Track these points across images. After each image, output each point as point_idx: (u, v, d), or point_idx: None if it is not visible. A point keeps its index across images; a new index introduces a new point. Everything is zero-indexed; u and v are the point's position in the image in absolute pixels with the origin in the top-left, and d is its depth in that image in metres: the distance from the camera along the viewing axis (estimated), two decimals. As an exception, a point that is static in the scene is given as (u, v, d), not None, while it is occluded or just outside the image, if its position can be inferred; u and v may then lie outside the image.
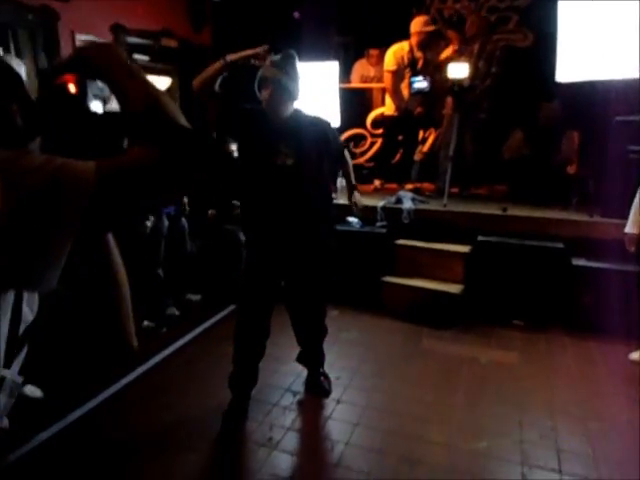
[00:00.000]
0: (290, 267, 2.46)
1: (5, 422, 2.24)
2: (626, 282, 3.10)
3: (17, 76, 0.88)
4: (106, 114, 0.87)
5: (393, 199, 4.16)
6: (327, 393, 2.73)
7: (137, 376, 2.94)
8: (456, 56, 4.30)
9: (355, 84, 5.21)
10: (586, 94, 3.69)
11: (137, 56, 4.16)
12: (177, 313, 3.67)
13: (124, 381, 2.88)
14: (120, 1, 3.74)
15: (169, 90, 4.61)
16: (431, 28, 4.37)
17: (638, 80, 3.37)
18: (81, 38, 3.44)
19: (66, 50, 3.34)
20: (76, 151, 0.75)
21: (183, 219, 3.80)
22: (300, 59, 4.49)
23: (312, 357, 2.77)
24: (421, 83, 4.33)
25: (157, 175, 0.74)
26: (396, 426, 2.45)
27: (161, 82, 4.62)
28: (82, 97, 0.83)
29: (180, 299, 3.87)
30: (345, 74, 5.19)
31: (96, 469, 2.19)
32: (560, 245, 3.46)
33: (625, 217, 2.99)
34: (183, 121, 0.79)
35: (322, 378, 2.78)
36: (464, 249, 3.71)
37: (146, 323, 3.55)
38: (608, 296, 3.04)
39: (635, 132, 3.31)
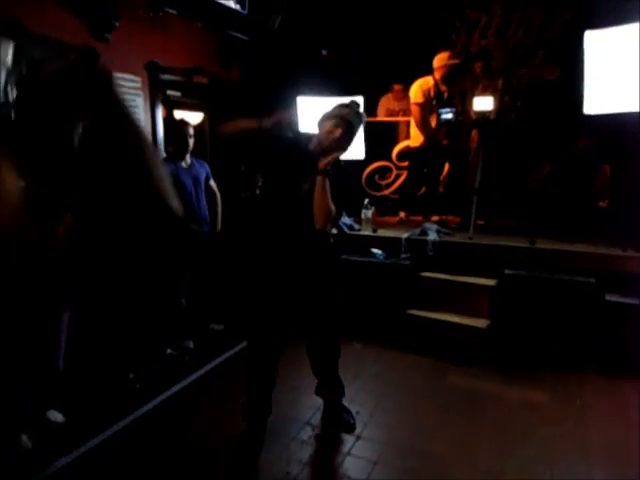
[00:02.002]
0: (303, 295, 2.44)
1: (28, 443, 2.28)
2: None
3: None
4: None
5: (418, 231, 4.14)
6: (351, 428, 2.65)
7: (157, 403, 2.95)
8: (481, 90, 4.32)
9: (381, 118, 5.29)
10: (618, 127, 3.63)
11: (170, 92, 4.35)
12: (192, 346, 3.67)
13: (145, 408, 2.89)
14: (155, 41, 3.94)
15: (201, 124, 4.77)
16: (455, 61, 4.42)
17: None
18: (118, 76, 3.63)
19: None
20: None
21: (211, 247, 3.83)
22: (327, 94, 4.65)
23: (329, 387, 2.71)
24: (447, 114, 4.37)
25: None
26: (417, 465, 2.36)
27: (194, 117, 4.81)
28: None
29: (203, 329, 3.88)
30: (370, 108, 5.29)
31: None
32: (592, 280, 3.34)
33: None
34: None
35: (343, 412, 2.71)
36: (490, 282, 3.63)
37: (169, 351, 3.57)
38: (643, 334, 2.90)
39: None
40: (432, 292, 3.80)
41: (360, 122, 2.32)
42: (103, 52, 3.46)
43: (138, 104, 3.81)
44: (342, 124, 2.24)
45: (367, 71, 5.64)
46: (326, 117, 2.30)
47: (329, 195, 2.19)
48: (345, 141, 2.27)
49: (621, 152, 3.70)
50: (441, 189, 4.83)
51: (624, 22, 3.37)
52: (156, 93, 4.01)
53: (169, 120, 4.60)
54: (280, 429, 2.64)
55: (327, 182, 2.18)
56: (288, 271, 2.37)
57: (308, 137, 2.37)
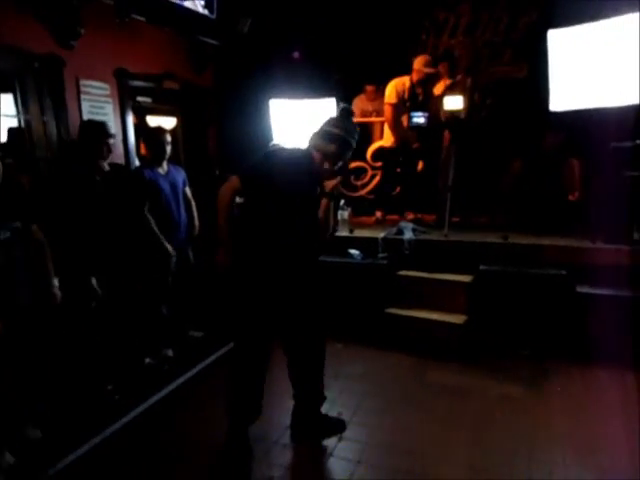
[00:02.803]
0: (293, 304, 2.42)
1: (10, 458, 2.23)
2: (632, 309, 3.04)
3: None
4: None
5: (394, 230, 4.18)
6: (342, 427, 2.65)
7: (137, 415, 2.91)
8: (448, 91, 4.38)
9: (355, 119, 5.31)
10: (585, 122, 3.72)
11: (140, 98, 4.29)
12: (171, 355, 3.62)
13: (124, 420, 2.84)
14: (123, 47, 3.88)
15: (174, 130, 4.72)
16: (430, 70, 4.47)
17: (632, 107, 3.41)
18: (85, 83, 3.56)
19: (71, 95, 3.45)
20: None
21: (190, 253, 3.80)
22: (300, 97, 4.65)
23: (311, 394, 2.65)
24: (419, 119, 4.41)
25: None
26: (400, 463, 2.38)
27: (167, 122, 4.76)
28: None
29: (182, 336, 3.84)
30: (344, 109, 5.32)
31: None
32: (563, 272, 3.42)
33: (626, 243, 2.97)
34: None
35: (324, 418, 2.68)
36: (466, 279, 3.68)
37: (148, 360, 3.53)
38: (613, 323, 2.98)
39: (631, 158, 3.32)
40: (410, 290, 3.84)
41: (354, 134, 2.32)
42: (69, 60, 3.41)
43: (107, 111, 3.75)
44: (338, 142, 2.27)
45: (339, 72, 5.68)
46: (321, 136, 2.30)
47: (333, 213, 2.36)
48: (343, 159, 2.33)
49: (589, 146, 3.79)
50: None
51: (586, 21, 3.46)
52: (126, 100, 3.95)
53: (141, 127, 4.54)
54: (261, 433, 2.63)
55: (332, 203, 2.33)
56: (284, 276, 2.34)
57: (301, 153, 2.36)
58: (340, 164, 2.32)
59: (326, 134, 2.28)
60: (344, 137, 2.26)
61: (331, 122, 2.31)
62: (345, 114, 2.34)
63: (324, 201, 2.33)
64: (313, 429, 2.62)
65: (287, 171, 2.24)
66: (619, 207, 3.36)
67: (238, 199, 2.38)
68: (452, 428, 2.67)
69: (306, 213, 2.34)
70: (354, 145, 2.33)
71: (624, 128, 3.42)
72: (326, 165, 2.29)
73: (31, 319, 2.45)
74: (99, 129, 3.15)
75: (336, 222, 2.39)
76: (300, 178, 2.27)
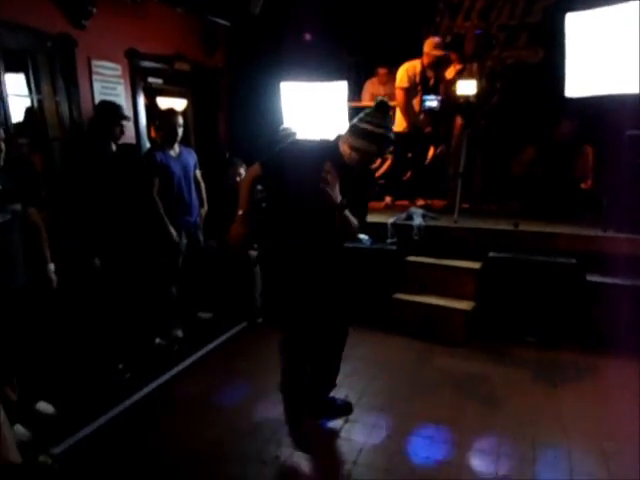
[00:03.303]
0: (316, 292, 2.37)
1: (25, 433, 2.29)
2: (642, 298, 3.04)
3: None
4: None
5: (404, 216, 4.16)
6: (349, 409, 2.69)
7: (147, 393, 2.97)
8: (460, 75, 4.32)
9: (365, 102, 5.27)
10: (599, 109, 3.66)
11: (151, 79, 4.28)
12: (181, 335, 3.67)
13: (135, 397, 2.90)
14: (134, 27, 3.86)
15: (185, 112, 4.72)
16: (439, 53, 4.40)
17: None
18: (97, 64, 3.56)
19: (83, 76, 3.46)
20: None
21: (200, 235, 3.81)
22: (311, 79, 4.61)
23: (322, 380, 2.63)
24: (432, 102, 4.37)
25: None
26: (404, 446, 2.41)
27: (178, 104, 4.75)
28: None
29: (191, 318, 3.89)
30: (355, 93, 5.27)
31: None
32: (573, 261, 3.41)
33: (638, 232, 2.94)
34: None
35: (332, 400, 2.71)
36: (475, 265, 3.68)
37: (158, 341, 3.58)
38: (623, 312, 2.97)
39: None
40: (418, 276, 3.84)
41: (389, 132, 2.14)
42: (81, 39, 3.40)
43: (119, 92, 3.75)
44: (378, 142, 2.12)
45: (351, 55, 5.62)
46: (360, 134, 2.10)
47: (349, 219, 2.15)
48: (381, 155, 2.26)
49: (603, 134, 3.73)
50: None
51: (604, 4, 3.38)
52: (137, 81, 3.94)
53: (152, 108, 4.54)
54: (270, 414, 2.68)
55: (343, 214, 2.12)
56: (303, 268, 2.29)
57: (326, 147, 2.22)
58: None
59: (357, 129, 2.10)
60: (386, 136, 2.12)
61: (371, 120, 2.10)
62: (380, 108, 2.13)
63: (337, 213, 2.12)
64: (320, 410, 2.66)
65: (305, 165, 2.11)
66: (632, 196, 3.33)
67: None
68: (457, 412, 2.69)
69: (323, 213, 2.13)
70: (390, 140, 2.16)
71: (639, 116, 3.37)
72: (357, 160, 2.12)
73: (27, 300, 2.46)
74: (114, 110, 3.18)
75: (355, 228, 2.20)
76: (317, 174, 2.07)
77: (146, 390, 3.00)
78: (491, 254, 3.64)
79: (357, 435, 2.51)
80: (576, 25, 3.53)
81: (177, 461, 2.36)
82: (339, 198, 2.08)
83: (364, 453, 2.36)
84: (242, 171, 4.01)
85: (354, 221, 2.18)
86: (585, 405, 2.72)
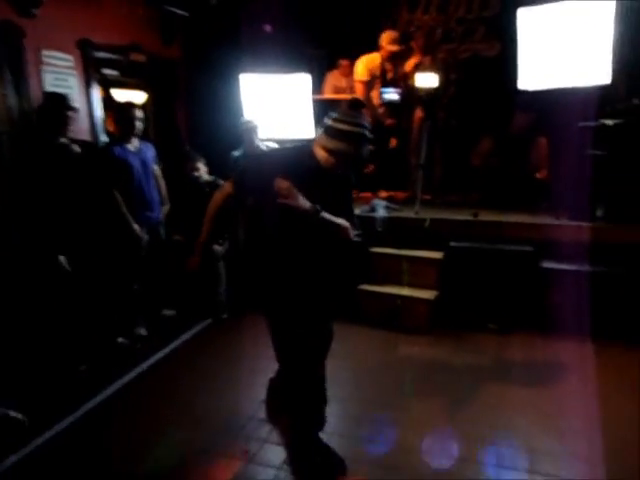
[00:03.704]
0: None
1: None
2: (592, 283, 3.19)
3: None
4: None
5: (367, 208, 4.21)
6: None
7: (110, 394, 2.90)
8: (419, 67, 4.38)
9: (327, 95, 5.27)
10: (552, 102, 3.80)
11: (106, 70, 4.13)
12: (145, 334, 3.60)
13: (97, 399, 2.84)
14: (87, 16, 3.71)
15: (143, 104, 4.59)
16: (394, 48, 4.45)
17: (597, 87, 3.50)
18: (47, 54, 3.41)
19: (32, 67, 3.30)
20: None
21: (162, 231, 3.74)
22: (273, 71, 4.57)
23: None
24: (392, 95, 4.42)
25: None
26: (371, 434, 2.47)
27: (136, 96, 4.61)
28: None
29: (155, 315, 3.82)
30: (317, 85, 5.25)
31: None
32: (529, 248, 3.54)
33: (588, 220, 3.08)
34: None
35: None
36: (437, 255, 3.77)
37: (120, 340, 3.50)
38: (574, 296, 3.12)
39: (595, 137, 3.42)
40: (382, 267, 3.90)
41: (366, 131, 1.97)
42: (30, 29, 3.25)
43: (71, 84, 3.61)
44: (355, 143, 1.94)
45: (312, 47, 5.59)
46: (335, 136, 1.94)
47: (332, 220, 1.98)
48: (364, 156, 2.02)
49: (556, 126, 3.87)
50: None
51: (555, 0, 3.49)
52: (91, 72, 3.80)
53: (108, 101, 4.39)
54: (238, 409, 2.68)
55: (321, 218, 1.95)
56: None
57: (302, 155, 2.05)
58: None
59: (333, 130, 1.94)
60: (363, 134, 1.95)
61: (347, 119, 1.94)
62: (355, 106, 1.99)
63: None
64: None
65: (285, 175, 1.91)
66: (582, 185, 3.47)
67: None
68: (421, 399, 2.77)
69: (310, 238, 1.97)
70: (368, 139, 1.99)
71: (589, 108, 3.51)
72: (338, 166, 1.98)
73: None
74: (60, 101, 3.04)
75: (345, 226, 2.03)
76: (301, 182, 1.92)
77: (109, 391, 2.93)
78: (452, 244, 3.73)
79: (325, 425, 2.53)
80: (528, 20, 3.63)
81: (144, 462, 2.32)
82: (307, 204, 1.91)
83: (332, 443, 2.38)
84: (200, 166, 3.95)
85: (340, 220, 2.02)
86: (541, 386, 2.85)
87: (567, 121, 3.61)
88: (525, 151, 4.49)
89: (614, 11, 3.27)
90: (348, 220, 2.08)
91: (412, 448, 2.35)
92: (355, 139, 1.93)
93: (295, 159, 2.04)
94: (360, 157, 1.98)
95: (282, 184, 1.88)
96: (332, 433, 2.45)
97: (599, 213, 3.48)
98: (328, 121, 1.98)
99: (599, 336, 3.18)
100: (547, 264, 3.47)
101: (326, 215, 1.95)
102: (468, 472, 2.18)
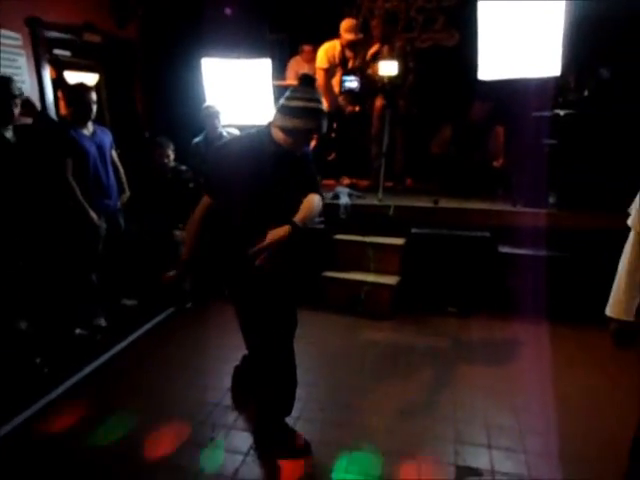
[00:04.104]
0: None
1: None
2: (547, 266, 3.34)
3: None
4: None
5: (330, 195, 4.23)
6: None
7: (68, 387, 2.82)
8: (384, 54, 4.40)
9: (290, 81, 5.22)
10: (509, 92, 3.91)
11: (58, 51, 3.95)
12: (104, 324, 3.50)
13: (55, 393, 2.75)
14: (36, -7, 3.54)
15: (97, 87, 4.41)
16: (352, 37, 4.45)
17: (552, 78, 3.63)
18: (-7, 32, 3.22)
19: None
20: None
21: (121, 219, 3.64)
22: (232, 56, 4.48)
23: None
24: (352, 83, 4.42)
25: None
26: (336, 417, 2.51)
27: (88, 79, 4.43)
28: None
29: (115, 305, 3.73)
30: (280, 71, 5.20)
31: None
32: (488, 234, 3.66)
33: (543, 206, 3.21)
34: None
35: None
36: (399, 241, 3.84)
37: (78, 331, 3.39)
38: (531, 280, 3.26)
39: (549, 126, 3.56)
40: (346, 254, 3.94)
41: (320, 102, 1.97)
42: (-29, 4, 3.06)
43: (20, 64, 3.43)
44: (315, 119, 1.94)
45: (274, 32, 5.51)
46: (285, 113, 1.94)
47: (308, 212, 1.98)
48: (319, 131, 2.00)
49: (512, 115, 4.00)
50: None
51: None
52: (41, 52, 3.62)
53: (60, 83, 4.20)
54: (203, 397, 2.66)
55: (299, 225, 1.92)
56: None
57: (259, 139, 2.03)
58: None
59: (288, 109, 1.94)
60: (320, 109, 1.95)
61: (301, 95, 1.94)
62: (306, 82, 1.99)
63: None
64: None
65: (247, 165, 1.92)
66: (537, 173, 3.62)
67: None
68: (384, 381, 2.84)
69: (282, 210, 1.96)
70: (324, 112, 1.98)
71: (544, 99, 3.65)
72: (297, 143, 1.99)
73: None
74: (4, 87, 2.84)
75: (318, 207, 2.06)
76: (265, 169, 1.94)
77: (68, 383, 2.84)
78: (413, 230, 3.81)
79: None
80: (488, 12, 3.71)
81: (109, 452, 2.28)
82: (286, 230, 1.85)
83: (298, 427, 2.41)
84: (169, 152, 3.86)
85: (313, 205, 2.02)
86: (499, 365, 2.98)
87: (522, 111, 3.74)
88: (483, 140, 4.62)
89: (564, 7, 3.40)
90: (313, 187, 2.10)
91: (377, 429, 2.41)
92: (312, 114, 1.93)
93: (254, 146, 2.00)
94: (320, 130, 1.99)
95: (256, 252, 1.82)
96: (298, 417, 2.48)
97: (552, 200, 3.63)
98: (282, 101, 1.98)
99: (554, 317, 3.35)
100: (504, 249, 3.60)
101: (298, 219, 1.92)
102: (430, 449, 2.26)
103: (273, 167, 1.97)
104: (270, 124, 2.03)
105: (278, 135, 1.98)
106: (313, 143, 4.94)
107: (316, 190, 2.12)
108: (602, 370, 2.89)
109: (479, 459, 2.18)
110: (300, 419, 2.48)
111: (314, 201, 2.06)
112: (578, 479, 2.05)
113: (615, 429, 2.34)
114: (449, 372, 2.91)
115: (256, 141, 2.02)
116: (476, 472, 2.11)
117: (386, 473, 2.11)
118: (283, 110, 1.95)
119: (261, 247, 1.82)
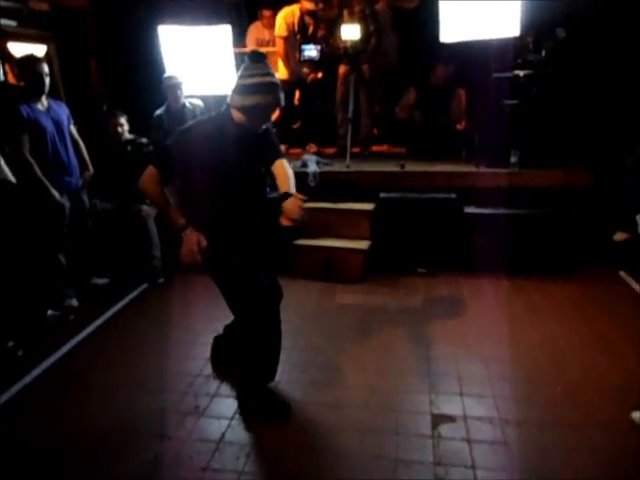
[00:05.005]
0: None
1: None
2: (507, 224, 3.49)
3: None
4: None
5: (299, 164, 4.22)
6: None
7: (45, 369, 2.79)
8: (345, 18, 4.35)
9: (250, 48, 5.10)
10: (470, 54, 3.95)
11: (3, 21, 3.71)
12: (76, 304, 3.46)
13: (30, 376, 2.72)
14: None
15: (47, 58, 4.19)
16: (311, 6, 4.36)
17: (511, 39, 3.69)
18: None
19: None
20: None
21: (85, 197, 3.55)
22: (190, 23, 4.34)
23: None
24: (311, 52, 4.35)
25: None
26: (316, 377, 2.60)
27: (35, 50, 4.19)
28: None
29: (85, 285, 3.67)
30: (240, 38, 5.06)
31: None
32: (453, 196, 3.77)
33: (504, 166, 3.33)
34: None
35: None
36: (369, 207, 3.90)
37: (50, 312, 3.34)
38: (493, 238, 3.41)
39: (509, 87, 3.64)
40: (316, 221, 3.96)
41: (273, 75, 2.00)
42: None
43: (-39, 36, 3.22)
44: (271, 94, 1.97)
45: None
46: (240, 91, 1.96)
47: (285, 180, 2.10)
48: (278, 105, 2.03)
49: (473, 77, 4.06)
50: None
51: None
52: (-16, 22, 3.41)
53: (5, 55, 3.97)
54: (183, 368, 2.70)
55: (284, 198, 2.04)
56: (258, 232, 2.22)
57: (221, 121, 2.05)
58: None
59: (244, 87, 1.95)
60: (275, 83, 1.98)
61: (254, 72, 1.96)
62: (256, 58, 1.99)
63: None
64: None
65: (212, 150, 1.94)
66: (499, 134, 3.72)
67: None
68: (360, 341, 2.94)
69: (254, 186, 2.08)
70: (279, 85, 2.01)
71: (504, 60, 3.72)
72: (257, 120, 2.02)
73: None
74: None
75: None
76: (231, 151, 1.97)
77: (44, 365, 2.82)
78: (382, 195, 3.88)
79: (272, 375, 2.63)
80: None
81: (94, 427, 2.30)
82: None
83: (281, 388, 2.50)
84: (122, 121, 3.76)
85: (289, 171, 2.13)
86: (467, 320, 3.13)
87: (483, 73, 3.81)
88: (446, 103, 4.67)
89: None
90: (279, 153, 2.21)
91: (356, 386, 2.51)
92: (270, 88, 1.96)
93: (216, 129, 2.00)
94: (279, 103, 2.02)
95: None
96: (279, 381, 2.55)
97: (513, 160, 3.75)
98: (237, 80, 1.99)
99: (517, 271, 3.53)
100: (470, 209, 3.72)
101: (289, 189, 2.07)
102: (407, 401, 2.38)
103: (239, 148, 2.01)
104: (228, 106, 2.04)
105: (238, 116, 2.01)
106: (275, 115, 4.93)
107: (282, 155, 2.22)
108: (564, 319, 3.08)
109: (452, 406, 2.32)
110: (281, 382, 2.55)
111: (287, 166, 2.16)
112: (544, 419, 2.21)
113: (576, 373, 2.53)
114: (421, 328, 3.04)
115: (218, 124, 2.03)
116: (450, 418, 2.25)
117: (368, 426, 2.22)
118: (240, 90, 1.97)
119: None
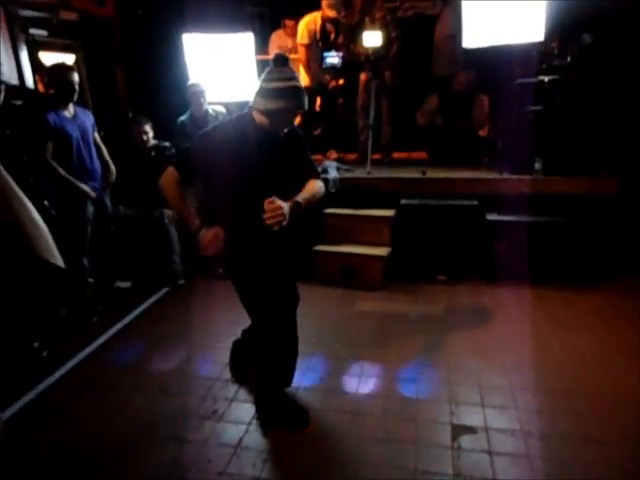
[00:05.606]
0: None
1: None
2: (531, 232, 3.42)
3: None
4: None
5: (319, 170, 4.22)
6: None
7: (68, 370, 2.85)
8: (368, 25, 4.35)
9: (274, 52, 5.14)
10: (493, 59, 3.91)
11: (33, 30, 3.83)
12: (101, 307, 3.53)
13: (56, 375, 2.78)
14: (7, -30, 3.42)
15: (77, 65, 4.30)
16: (332, 14, 4.38)
17: (535, 44, 3.64)
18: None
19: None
20: None
21: (107, 201, 3.62)
22: (213, 31, 4.40)
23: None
24: (333, 59, 4.37)
25: None
26: (335, 385, 2.58)
27: (64, 59, 4.31)
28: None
29: (108, 288, 3.74)
30: (262, 45, 5.12)
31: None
32: (475, 202, 3.72)
33: (528, 173, 3.26)
34: None
35: None
36: (389, 213, 3.88)
37: (74, 314, 3.41)
38: (516, 246, 3.34)
39: (533, 93, 3.58)
40: (336, 227, 3.97)
41: (297, 79, 1.99)
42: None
43: (-4, 46, 3.34)
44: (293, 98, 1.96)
45: (254, 5, 5.41)
46: (263, 95, 1.95)
47: (312, 194, 2.08)
48: (302, 108, 2.02)
49: (496, 83, 4.01)
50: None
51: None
52: (16, 32, 3.52)
53: (37, 64, 4.09)
54: (203, 373, 2.72)
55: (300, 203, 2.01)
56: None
57: (241, 124, 2.04)
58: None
59: (268, 91, 1.94)
60: (299, 87, 1.97)
61: (278, 76, 1.94)
62: (280, 62, 1.98)
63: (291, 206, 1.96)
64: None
65: (233, 153, 1.94)
66: (522, 140, 3.66)
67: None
68: (380, 349, 2.91)
69: (274, 189, 1.96)
70: (303, 89, 2.00)
71: (528, 65, 3.67)
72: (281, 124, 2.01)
73: None
74: None
75: (321, 190, 2.18)
76: (252, 153, 1.97)
77: (69, 365, 2.88)
78: (403, 201, 3.85)
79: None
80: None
81: (115, 428, 2.33)
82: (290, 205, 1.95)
83: (298, 396, 2.49)
84: (147, 129, 3.83)
85: (316, 189, 2.11)
86: (489, 329, 3.07)
87: (507, 78, 3.76)
88: (468, 109, 4.62)
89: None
90: (312, 170, 2.19)
91: (375, 394, 2.49)
92: (293, 92, 1.95)
93: (237, 132, 2.01)
94: (303, 107, 2.01)
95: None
96: (298, 387, 2.55)
97: (538, 166, 3.69)
98: (261, 84, 1.99)
99: (540, 281, 3.45)
100: (492, 216, 3.66)
101: (301, 199, 2.01)
102: (427, 411, 2.35)
103: (261, 151, 2.01)
104: (250, 109, 2.04)
105: (260, 119, 2.01)
106: (297, 120, 4.96)
107: (317, 176, 2.20)
108: (588, 330, 2.99)
109: (473, 417, 2.27)
110: (300, 389, 2.55)
111: (317, 185, 2.15)
112: (567, 432, 2.15)
113: (601, 385, 2.46)
114: (442, 337, 3.00)
115: (240, 127, 2.03)
116: (471, 429, 2.20)
117: (386, 434, 2.19)
118: (263, 93, 1.96)
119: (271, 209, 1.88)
